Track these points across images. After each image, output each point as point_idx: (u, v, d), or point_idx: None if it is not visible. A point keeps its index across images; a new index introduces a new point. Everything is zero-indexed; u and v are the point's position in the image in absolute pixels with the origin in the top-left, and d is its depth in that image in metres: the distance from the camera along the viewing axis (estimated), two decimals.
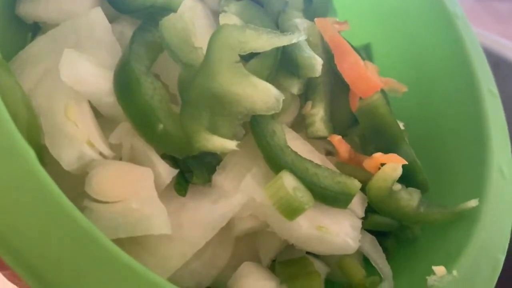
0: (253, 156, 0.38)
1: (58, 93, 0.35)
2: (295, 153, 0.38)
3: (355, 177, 0.40)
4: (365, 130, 0.45)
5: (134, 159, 0.36)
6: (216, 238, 0.37)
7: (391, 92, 0.49)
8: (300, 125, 0.43)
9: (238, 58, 0.37)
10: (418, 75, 0.54)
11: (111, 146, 0.36)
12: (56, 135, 0.34)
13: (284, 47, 0.40)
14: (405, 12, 0.55)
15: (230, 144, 0.35)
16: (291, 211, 0.36)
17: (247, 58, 0.39)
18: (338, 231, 0.38)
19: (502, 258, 0.41)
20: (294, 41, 0.39)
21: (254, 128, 0.38)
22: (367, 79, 0.44)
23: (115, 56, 0.38)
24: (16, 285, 0.36)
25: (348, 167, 0.42)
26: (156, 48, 0.38)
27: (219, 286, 0.40)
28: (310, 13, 0.47)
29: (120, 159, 0.36)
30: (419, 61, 0.55)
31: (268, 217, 0.38)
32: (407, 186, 0.43)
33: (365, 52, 0.56)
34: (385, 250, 0.43)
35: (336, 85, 0.45)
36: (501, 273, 0.40)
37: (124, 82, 0.36)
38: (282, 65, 0.41)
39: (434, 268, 0.39)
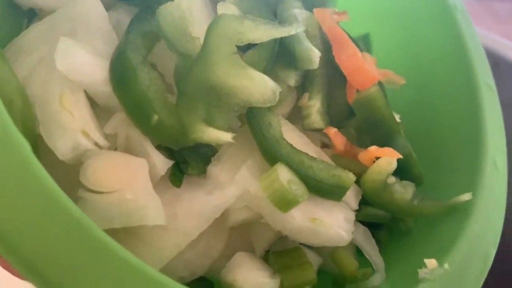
0: (248, 148, 0.38)
1: (53, 81, 0.35)
2: (291, 145, 0.38)
3: (350, 170, 0.40)
4: (361, 122, 0.45)
5: (129, 150, 0.36)
6: (210, 229, 0.37)
7: (388, 84, 0.49)
8: (297, 116, 0.43)
9: (236, 49, 0.37)
10: (416, 67, 0.54)
11: (106, 136, 0.36)
12: (51, 124, 0.34)
13: (282, 38, 0.40)
14: (404, 3, 0.54)
15: (226, 136, 0.35)
16: (285, 203, 0.36)
17: (244, 49, 0.39)
18: (332, 223, 0.39)
19: (493, 252, 0.41)
20: (292, 32, 0.39)
21: (250, 120, 0.38)
22: (364, 71, 0.43)
23: (111, 44, 0.37)
24: (9, 271, 0.36)
25: (344, 160, 0.42)
26: (153, 37, 0.38)
27: (213, 275, 0.41)
28: (309, 3, 0.46)
29: (115, 149, 0.36)
30: (417, 52, 0.55)
31: (262, 209, 0.38)
32: (401, 179, 0.44)
33: (364, 42, 0.56)
34: (378, 242, 0.44)
35: (334, 77, 0.45)
36: (494, 266, 0.41)
37: (120, 71, 0.35)
38: (279, 56, 0.40)
39: (426, 261, 0.39)
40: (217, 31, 0.37)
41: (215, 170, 0.38)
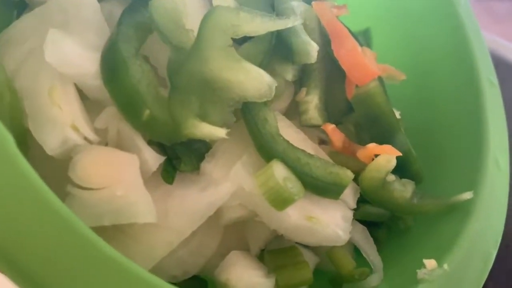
0: (243, 143, 0.37)
1: (43, 74, 0.34)
2: (287, 142, 0.37)
3: (348, 167, 0.39)
4: (360, 118, 0.44)
5: (120, 145, 0.35)
6: (203, 227, 0.36)
7: (388, 80, 0.48)
8: (294, 112, 0.42)
9: (231, 42, 0.36)
10: (417, 63, 0.53)
11: (97, 131, 0.35)
12: (40, 118, 0.33)
13: (279, 31, 0.39)
14: None
15: (220, 132, 0.34)
16: (280, 201, 0.35)
17: (240, 41, 0.38)
18: (329, 222, 0.38)
19: (494, 252, 0.40)
20: (289, 25, 0.38)
21: (246, 115, 0.37)
22: (364, 66, 0.43)
23: (103, 36, 0.36)
24: None
25: (342, 157, 0.42)
26: (146, 29, 0.37)
27: (207, 274, 0.40)
28: None
29: (106, 144, 0.35)
30: (418, 48, 0.54)
31: (257, 207, 0.37)
32: (401, 176, 0.43)
33: (364, 37, 0.55)
34: (376, 240, 0.43)
35: (332, 72, 0.44)
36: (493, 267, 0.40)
37: (111, 64, 0.35)
38: (276, 50, 0.39)
39: (425, 261, 0.39)
40: (211, 23, 0.36)
41: (209, 166, 0.37)
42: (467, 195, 0.41)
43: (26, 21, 0.38)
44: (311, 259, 0.41)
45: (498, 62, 0.56)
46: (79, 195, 0.32)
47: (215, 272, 0.38)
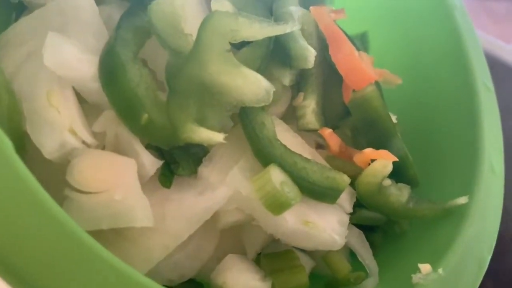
0: (241, 148, 0.38)
1: (41, 77, 0.34)
2: (284, 146, 0.37)
3: (345, 172, 0.39)
4: (357, 122, 0.44)
5: (118, 149, 0.35)
6: (200, 230, 0.36)
7: (385, 84, 0.48)
8: (291, 116, 0.42)
9: (229, 47, 0.36)
10: (414, 67, 0.53)
11: (95, 135, 0.35)
12: (38, 121, 0.33)
13: (277, 36, 0.39)
14: (403, 2, 0.53)
15: (218, 137, 0.34)
16: (277, 206, 0.35)
17: (238, 46, 0.38)
18: (325, 227, 0.38)
19: (488, 257, 0.40)
20: (287, 30, 0.38)
21: (243, 119, 0.37)
22: (361, 71, 0.43)
23: (101, 40, 0.36)
24: None
25: (338, 161, 0.42)
26: (144, 33, 0.37)
27: (203, 278, 0.40)
28: (305, 0, 0.45)
29: (104, 148, 0.35)
30: (415, 52, 0.54)
31: (254, 211, 0.37)
32: (397, 181, 0.43)
33: (361, 41, 0.55)
34: (372, 244, 0.43)
35: (330, 76, 0.44)
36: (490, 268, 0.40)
37: (109, 68, 0.35)
38: (274, 55, 0.40)
39: (420, 265, 0.39)
40: (210, 27, 0.36)
41: (206, 170, 0.37)
42: (462, 200, 0.42)
43: (25, 23, 0.38)
44: (307, 263, 0.41)
45: (495, 63, 0.56)
46: (77, 199, 0.32)
47: (211, 275, 0.38)
